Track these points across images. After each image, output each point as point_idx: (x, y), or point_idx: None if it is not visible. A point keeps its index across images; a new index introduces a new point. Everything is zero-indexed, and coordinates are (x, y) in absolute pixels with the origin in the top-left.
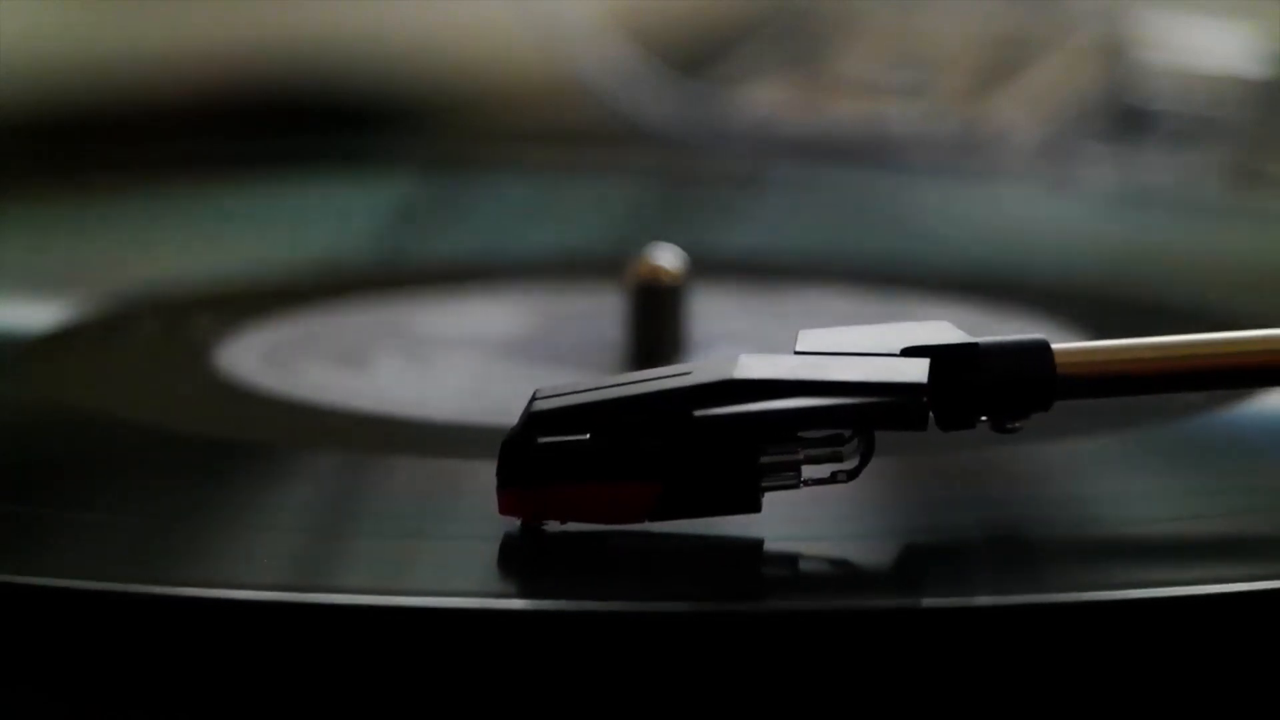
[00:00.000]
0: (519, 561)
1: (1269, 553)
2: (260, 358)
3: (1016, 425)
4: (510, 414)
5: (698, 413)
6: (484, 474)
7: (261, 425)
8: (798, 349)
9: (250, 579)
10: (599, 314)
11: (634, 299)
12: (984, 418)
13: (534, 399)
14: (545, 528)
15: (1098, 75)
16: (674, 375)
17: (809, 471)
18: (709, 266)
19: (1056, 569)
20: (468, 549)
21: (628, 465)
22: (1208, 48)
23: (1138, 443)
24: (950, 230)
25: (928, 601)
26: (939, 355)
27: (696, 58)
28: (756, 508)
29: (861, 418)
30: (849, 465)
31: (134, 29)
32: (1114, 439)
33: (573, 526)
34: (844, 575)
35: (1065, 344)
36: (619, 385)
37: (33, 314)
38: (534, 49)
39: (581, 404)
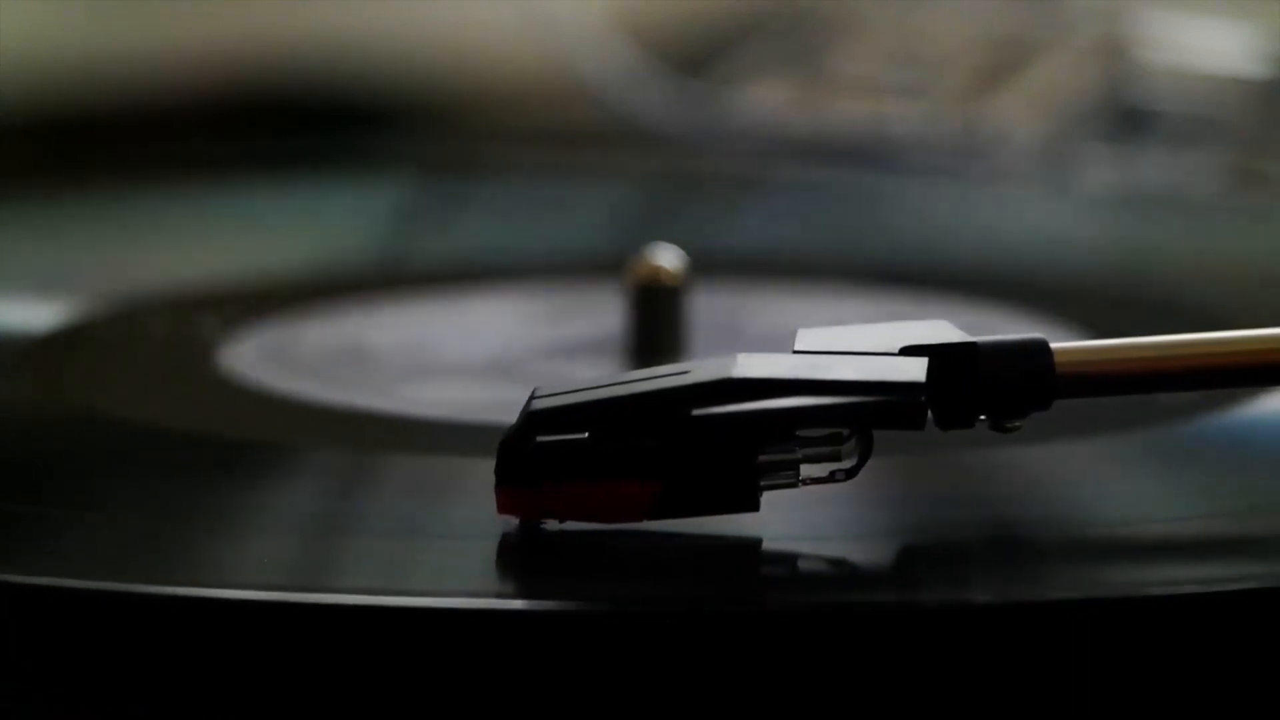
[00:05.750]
0: (517, 560)
1: (1269, 553)
2: (260, 357)
3: (1015, 425)
4: (509, 413)
5: (696, 412)
6: (483, 473)
7: (262, 425)
8: (796, 348)
9: (250, 579)
10: (599, 314)
11: (634, 299)
12: (983, 417)
13: (532, 398)
14: (543, 527)
15: (1098, 75)
16: (672, 374)
17: (807, 470)
18: (709, 266)
19: (1055, 568)
20: (466, 548)
21: (626, 464)
22: (1208, 48)
23: (1137, 442)
24: (950, 230)
25: (927, 600)
26: (938, 354)
27: (696, 58)
28: (755, 507)
29: (860, 417)
30: (847, 464)
31: (134, 29)
32: (1113, 438)
33: (571, 525)
34: (843, 574)
35: (1064, 344)
36: (617, 384)
37: (33, 314)
38: (534, 49)
39: (580, 403)
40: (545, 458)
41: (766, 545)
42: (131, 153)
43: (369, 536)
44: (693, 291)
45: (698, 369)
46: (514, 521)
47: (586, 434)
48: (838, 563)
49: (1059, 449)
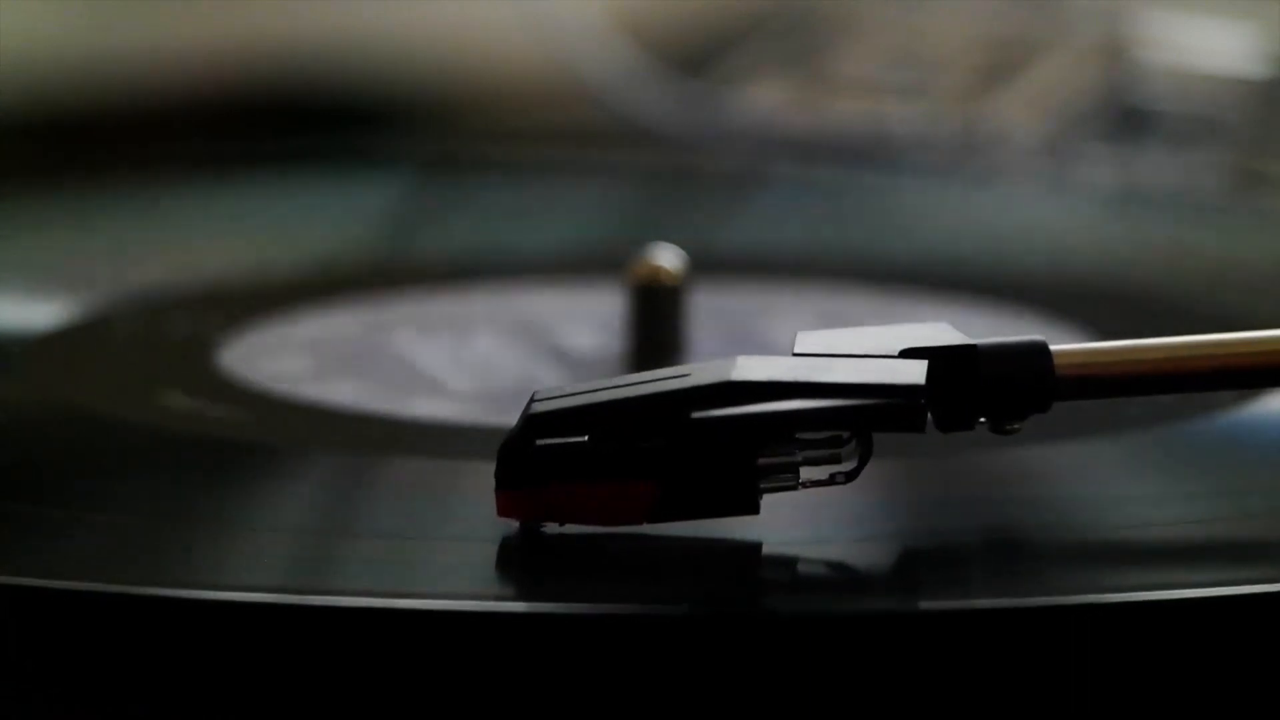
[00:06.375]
0: (517, 563)
1: (1268, 555)
2: (260, 357)
3: (1015, 427)
4: (509, 415)
5: (696, 414)
6: (483, 475)
7: (261, 425)
8: (796, 350)
9: (250, 580)
10: (599, 314)
11: (634, 299)
12: (983, 419)
13: (532, 401)
14: (544, 529)
15: (1098, 75)
16: (672, 377)
17: (807, 473)
18: (709, 266)
19: (1055, 571)
20: (466, 550)
21: (626, 467)
22: (1208, 48)
23: (1136, 444)
24: (950, 230)
25: (926, 603)
26: (937, 357)
27: (696, 58)
28: (755, 509)
29: (859, 419)
30: (847, 467)
31: (134, 29)
32: (1112, 441)
33: (571, 528)
34: (842, 577)
35: (1064, 345)
36: (617, 387)
37: (33, 313)
38: (534, 49)
39: (580, 406)
40: (545, 461)
41: (766, 548)
42: (131, 152)
43: (369, 538)
44: (693, 291)
45: (697, 372)
46: (514, 524)
47: (586, 437)
48: (838, 566)
49: (1059, 451)
